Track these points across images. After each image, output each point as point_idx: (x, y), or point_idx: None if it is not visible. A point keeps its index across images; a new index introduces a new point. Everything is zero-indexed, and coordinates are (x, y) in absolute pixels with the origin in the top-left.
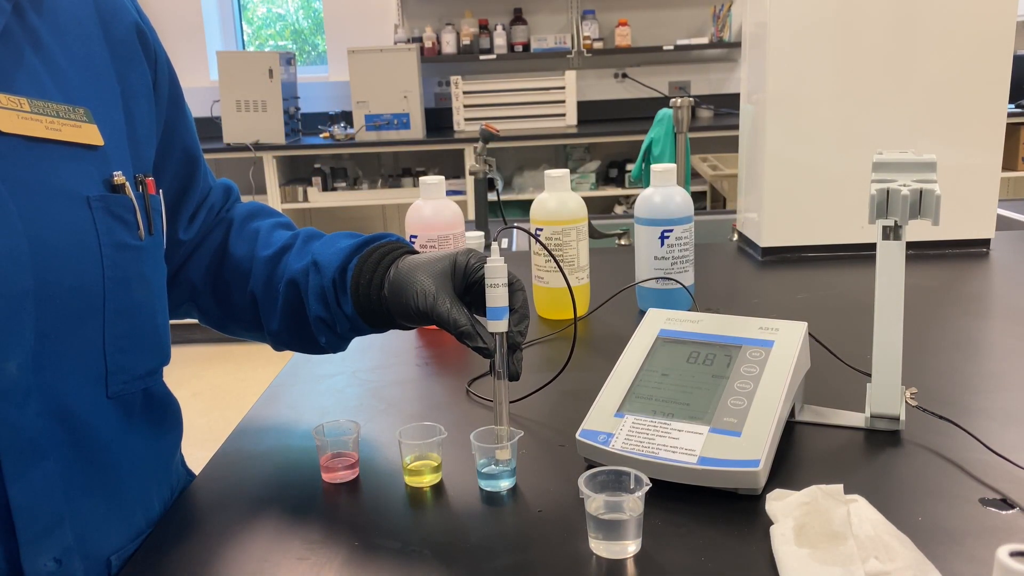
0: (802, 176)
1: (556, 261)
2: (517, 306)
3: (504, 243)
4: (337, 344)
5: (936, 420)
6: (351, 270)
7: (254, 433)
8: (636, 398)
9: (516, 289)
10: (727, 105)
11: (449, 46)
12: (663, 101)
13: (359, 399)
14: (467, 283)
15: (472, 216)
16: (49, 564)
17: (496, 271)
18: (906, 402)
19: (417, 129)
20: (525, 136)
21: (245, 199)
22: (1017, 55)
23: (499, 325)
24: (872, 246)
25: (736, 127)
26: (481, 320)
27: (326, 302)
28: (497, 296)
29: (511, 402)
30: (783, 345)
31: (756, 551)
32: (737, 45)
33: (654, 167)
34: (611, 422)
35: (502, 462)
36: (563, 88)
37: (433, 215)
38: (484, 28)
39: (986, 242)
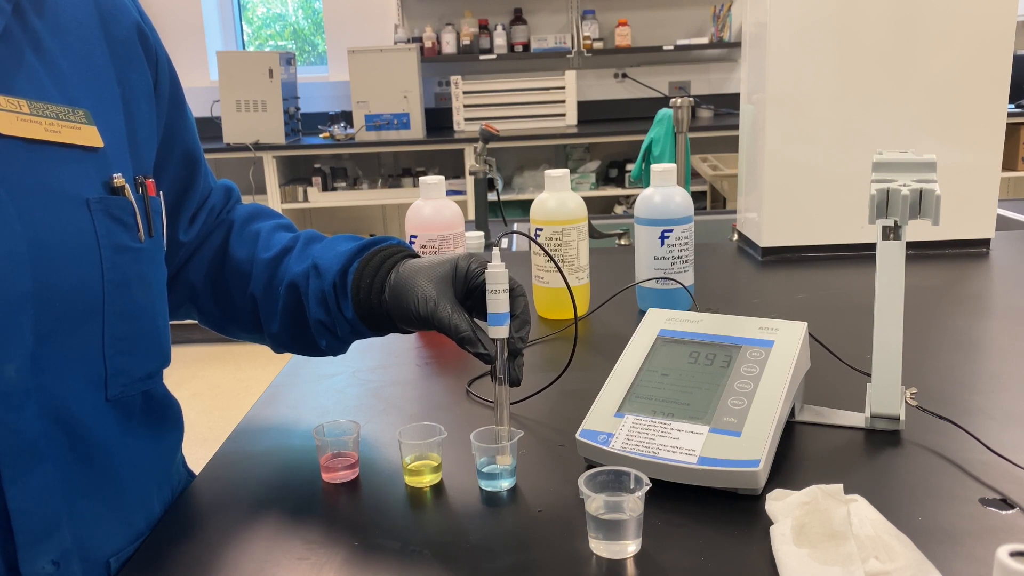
0: (802, 176)
1: (556, 263)
2: (518, 312)
3: (504, 243)
4: (337, 347)
5: (936, 420)
6: (352, 274)
7: (254, 433)
8: (636, 398)
9: (517, 295)
10: (727, 105)
11: (449, 46)
12: (663, 101)
13: (359, 399)
14: (468, 288)
15: (472, 216)
16: (47, 567)
17: (497, 277)
18: (906, 402)
19: (417, 129)
20: (525, 136)
21: (245, 199)
22: (1017, 55)
23: (500, 331)
24: (872, 246)
25: (736, 127)
26: (482, 325)
27: (326, 306)
28: (498, 302)
29: (512, 403)
30: (783, 345)
31: (756, 551)
32: (737, 45)
33: (654, 167)
34: (611, 422)
35: (503, 464)
36: (563, 88)
37: (433, 215)
38: (484, 28)
39: (986, 242)
